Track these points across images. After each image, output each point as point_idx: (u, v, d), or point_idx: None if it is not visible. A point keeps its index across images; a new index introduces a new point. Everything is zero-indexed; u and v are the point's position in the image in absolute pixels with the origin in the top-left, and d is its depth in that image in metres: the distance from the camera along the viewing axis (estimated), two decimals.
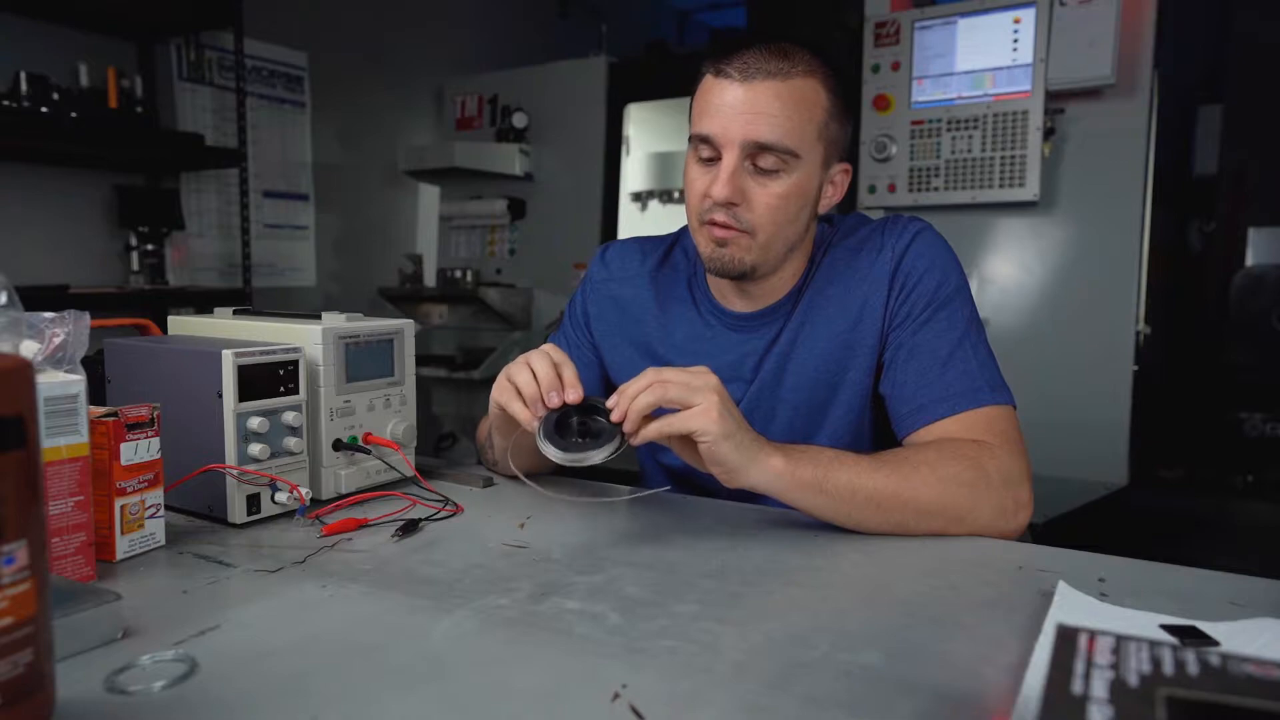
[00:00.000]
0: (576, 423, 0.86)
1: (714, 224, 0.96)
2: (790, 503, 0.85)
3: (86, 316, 0.75)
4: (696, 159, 0.98)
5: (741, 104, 0.92)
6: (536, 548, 0.84)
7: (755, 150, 0.93)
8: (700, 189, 0.97)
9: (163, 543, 0.82)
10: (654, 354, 1.13)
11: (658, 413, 0.82)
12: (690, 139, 0.99)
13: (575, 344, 1.20)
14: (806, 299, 1.04)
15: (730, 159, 0.93)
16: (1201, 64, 3.60)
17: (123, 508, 0.78)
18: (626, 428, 0.82)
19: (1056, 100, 2.57)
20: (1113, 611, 0.65)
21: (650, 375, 0.82)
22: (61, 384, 0.70)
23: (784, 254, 1.00)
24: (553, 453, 0.82)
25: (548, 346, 0.91)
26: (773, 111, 0.92)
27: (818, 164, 0.97)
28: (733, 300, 1.08)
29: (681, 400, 0.80)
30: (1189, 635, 0.60)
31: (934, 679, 0.56)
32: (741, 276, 1.01)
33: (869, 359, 1.01)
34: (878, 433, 1.04)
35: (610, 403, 0.83)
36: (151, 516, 0.80)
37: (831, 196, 1.02)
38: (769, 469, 0.81)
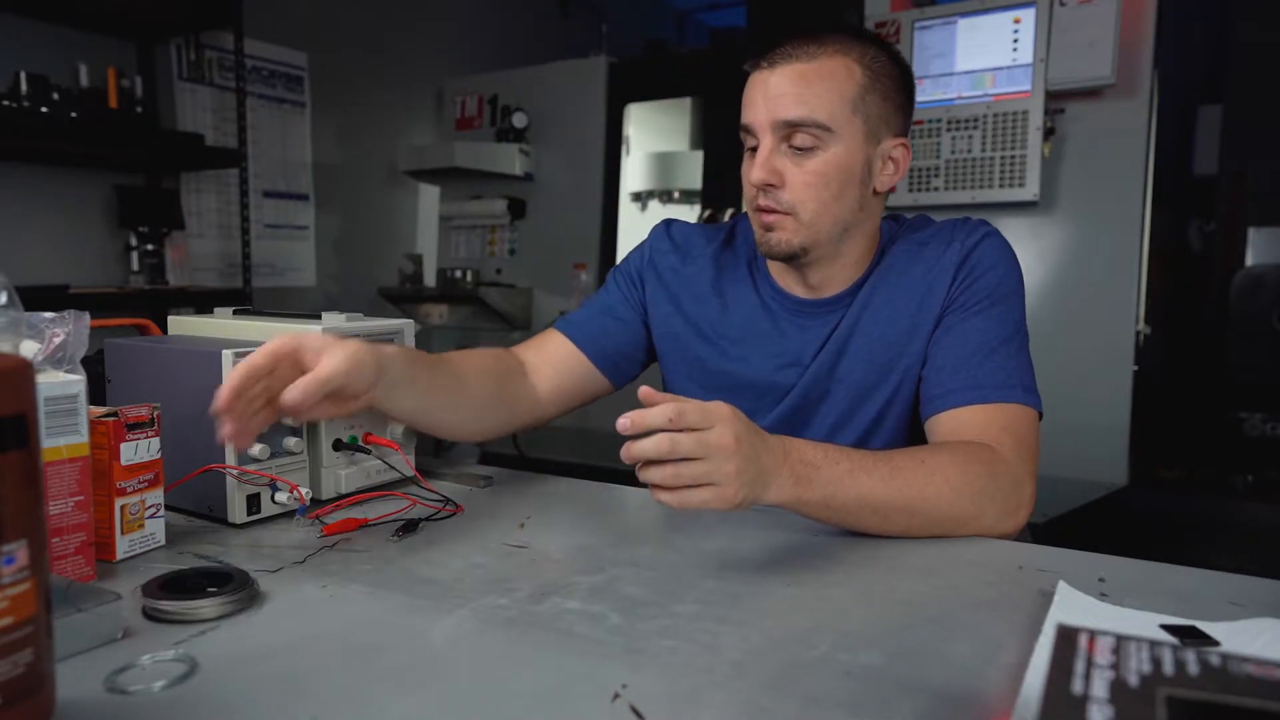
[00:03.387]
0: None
1: (759, 209, 0.99)
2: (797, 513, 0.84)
3: (86, 316, 0.75)
4: (748, 152, 1.01)
5: (770, 89, 0.96)
6: (536, 548, 0.83)
7: (786, 130, 0.96)
8: (747, 178, 1.00)
9: (163, 543, 0.81)
10: (705, 335, 1.11)
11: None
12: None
13: (621, 300, 1.16)
14: (869, 288, 1.04)
15: (764, 143, 0.97)
16: (1201, 64, 3.61)
17: (123, 508, 0.78)
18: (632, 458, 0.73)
19: (1056, 100, 2.57)
20: (1113, 611, 0.65)
21: (664, 445, 0.71)
22: (61, 384, 0.70)
23: (837, 235, 1.00)
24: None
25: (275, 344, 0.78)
26: (797, 90, 0.95)
27: (858, 139, 0.97)
28: (796, 288, 1.07)
29: (699, 479, 0.72)
30: (1189, 635, 0.60)
31: (934, 679, 0.56)
32: (791, 258, 1.01)
33: (924, 345, 1.00)
34: (918, 422, 1.02)
35: (622, 428, 0.72)
36: (151, 516, 0.80)
37: (893, 174, 1.02)
38: (775, 500, 0.79)
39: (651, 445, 0.71)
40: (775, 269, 1.09)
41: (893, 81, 0.99)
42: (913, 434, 1.02)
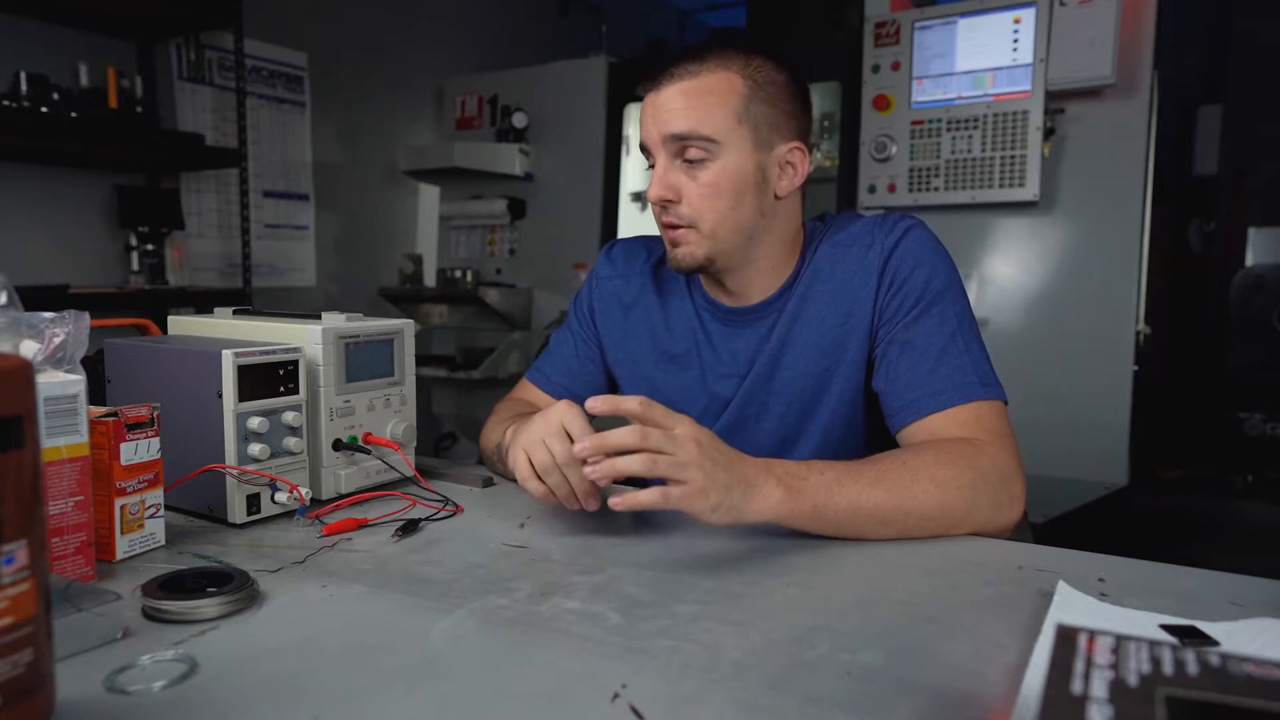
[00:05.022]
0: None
1: (665, 226, 1.02)
2: (790, 527, 0.84)
3: (86, 316, 0.75)
4: (648, 171, 1.04)
5: (656, 108, 1.00)
6: (536, 548, 0.84)
7: (676, 144, 0.98)
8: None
9: (163, 543, 0.82)
10: (651, 353, 1.14)
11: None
12: None
13: (580, 338, 1.21)
14: (798, 294, 1.05)
15: (659, 160, 1.00)
16: (1201, 64, 3.61)
17: (123, 508, 0.78)
18: (598, 477, 0.78)
19: (1056, 100, 2.57)
20: (1112, 611, 0.65)
21: (635, 436, 0.76)
22: (61, 384, 0.70)
23: (742, 242, 1.01)
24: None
25: (561, 409, 0.85)
26: (679, 105, 0.98)
27: (747, 148, 0.99)
28: (722, 296, 1.09)
29: (669, 476, 0.75)
30: (1189, 635, 0.60)
31: (934, 679, 0.56)
32: (700, 270, 1.04)
33: (859, 353, 1.01)
34: (872, 427, 1.04)
35: (582, 451, 0.78)
36: (151, 516, 0.80)
37: (792, 178, 1.02)
38: (764, 513, 0.79)
39: (628, 434, 0.76)
40: (705, 280, 1.11)
41: (778, 89, 1.00)
42: (871, 451, 1.02)
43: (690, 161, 0.99)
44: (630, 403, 0.77)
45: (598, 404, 0.79)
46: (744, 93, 0.98)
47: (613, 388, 1.22)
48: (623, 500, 0.76)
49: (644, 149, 1.03)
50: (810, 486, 0.81)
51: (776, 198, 1.02)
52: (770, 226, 1.03)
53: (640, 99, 1.03)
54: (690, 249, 1.01)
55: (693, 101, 0.97)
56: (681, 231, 1.01)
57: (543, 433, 0.85)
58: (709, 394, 1.10)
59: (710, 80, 0.98)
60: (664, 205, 1.00)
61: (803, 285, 1.05)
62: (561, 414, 0.85)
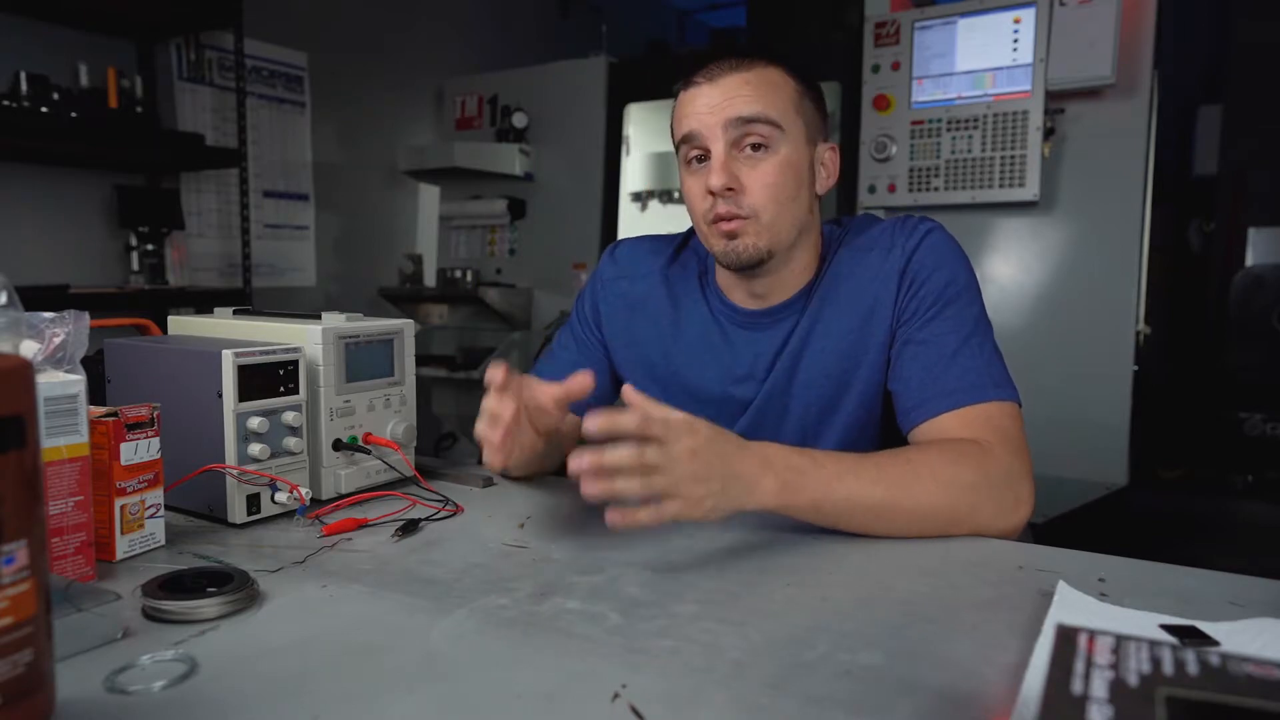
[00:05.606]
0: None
1: (720, 218, 0.98)
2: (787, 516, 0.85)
3: (86, 316, 0.75)
4: (688, 167, 1.02)
5: (715, 96, 0.98)
6: (536, 548, 0.84)
7: (740, 129, 0.97)
8: (699, 190, 1.00)
9: (163, 543, 0.82)
10: (661, 354, 1.13)
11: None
12: (677, 151, 1.03)
13: (583, 341, 1.20)
14: (818, 297, 1.04)
15: (718, 148, 0.97)
16: (1201, 64, 3.61)
17: (123, 508, 0.78)
18: (593, 495, 0.77)
19: (1056, 100, 2.57)
20: (1113, 611, 0.65)
21: (631, 456, 0.75)
22: (61, 384, 0.70)
23: (793, 237, 1.01)
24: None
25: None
26: (744, 93, 0.97)
27: (801, 139, 0.99)
28: (743, 299, 1.08)
29: (666, 490, 0.75)
30: (1189, 635, 0.60)
31: (934, 679, 0.56)
32: (758, 264, 1.00)
33: (879, 356, 1.01)
34: (888, 428, 1.04)
35: (579, 468, 0.76)
36: (151, 516, 0.80)
37: (826, 179, 1.03)
38: (762, 505, 0.80)
39: (624, 455, 0.74)
40: (723, 281, 1.10)
41: (815, 91, 1.02)
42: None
43: (752, 149, 0.97)
44: (627, 420, 0.75)
45: (594, 426, 0.76)
46: (796, 87, 1.00)
47: (617, 390, 1.22)
48: (622, 518, 0.75)
49: (688, 139, 1.00)
50: (810, 482, 0.81)
51: (816, 196, 1.03)
52: (812, 225, 1.04)
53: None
54: (751, 240, 0.98)
55: (758, 90, 0.97)
56: (740, 223, 0.97)
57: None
58: (725, 395, 1.09)
59: (768, 73, 0.99)
60: (724, 195, 0.97)
61: (823, 288, 1.04)
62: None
